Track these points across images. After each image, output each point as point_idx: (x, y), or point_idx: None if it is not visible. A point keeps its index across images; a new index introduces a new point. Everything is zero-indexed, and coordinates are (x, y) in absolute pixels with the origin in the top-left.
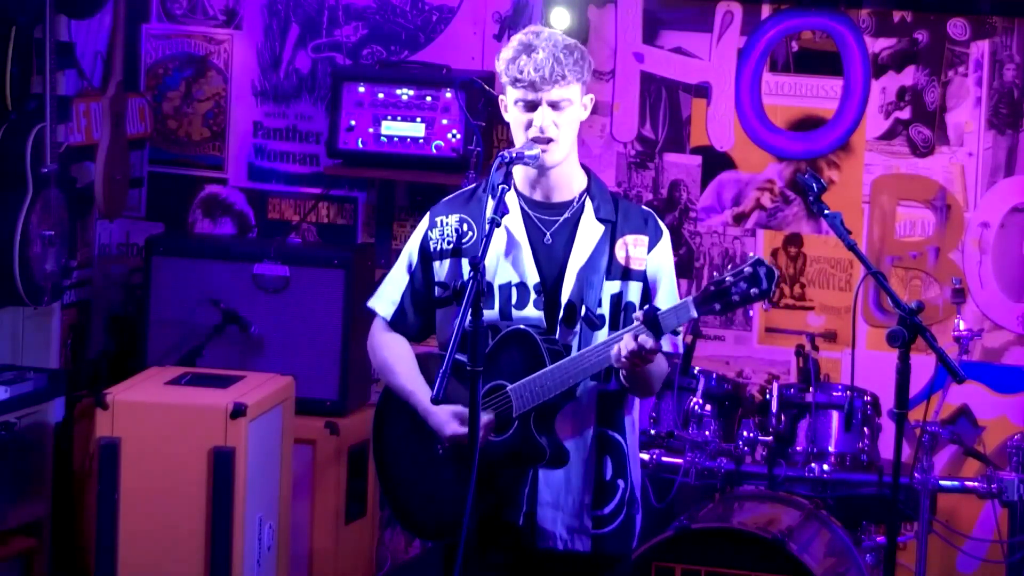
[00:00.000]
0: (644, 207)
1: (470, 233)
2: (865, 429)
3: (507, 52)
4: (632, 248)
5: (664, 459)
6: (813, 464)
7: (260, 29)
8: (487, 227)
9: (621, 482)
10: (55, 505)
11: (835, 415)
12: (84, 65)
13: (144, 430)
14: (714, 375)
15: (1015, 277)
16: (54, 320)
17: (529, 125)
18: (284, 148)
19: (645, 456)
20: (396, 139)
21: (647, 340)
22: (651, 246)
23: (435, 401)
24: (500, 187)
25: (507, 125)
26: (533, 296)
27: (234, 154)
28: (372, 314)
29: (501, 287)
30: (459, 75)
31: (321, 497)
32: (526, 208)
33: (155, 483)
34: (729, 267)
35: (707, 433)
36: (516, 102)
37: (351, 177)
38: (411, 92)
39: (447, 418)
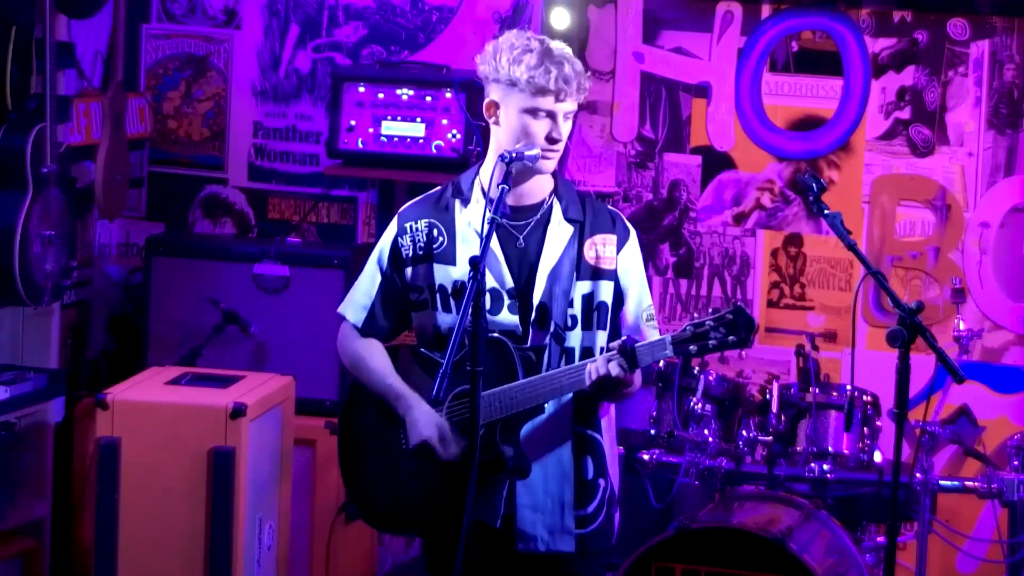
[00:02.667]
0: (610, 207)
1: (440, 239)
2: (865, 429)
3: (529, 58)
4: (601, 248)
5: (664, 459)
6: (813, 464)
7: (260, 29)
8: (486, 227)
9: (602, 481)
10: (55, 505)
11: (835, 415)
12: (84, 65)
13: (144, 430)
14: (714, 375)
15: (1015, 277)
16: (54, 320)
17: (530, 132)
18: (284, 148)
19: (645, 456)
20: (396, 139)
21: (616, 369)
22: (620, 246)
23: (436, 401)
24: (500, 187)
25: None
26: (507, 301)
27: (234, 154)
28: (341, 319)
29: None
30: (459, 75)
31: (321, 497)
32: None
33: (155, 483)
34: (710, 310)
35: (707, 433)
36: (529, 109)
37: (351, 177)
38: (411, 92)
39: (427, 421)
